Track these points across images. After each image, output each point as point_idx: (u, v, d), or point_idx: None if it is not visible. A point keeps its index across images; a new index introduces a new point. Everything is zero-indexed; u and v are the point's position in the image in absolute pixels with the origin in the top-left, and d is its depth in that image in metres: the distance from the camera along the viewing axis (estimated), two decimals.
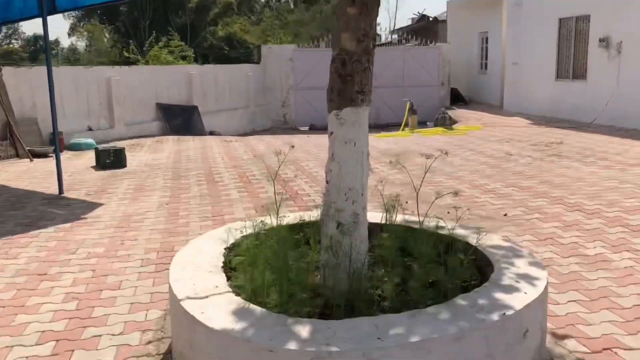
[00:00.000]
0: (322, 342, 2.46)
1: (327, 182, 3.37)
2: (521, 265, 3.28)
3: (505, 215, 6.09)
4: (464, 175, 8.31)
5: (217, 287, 3.02)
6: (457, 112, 17.99)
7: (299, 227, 3.87)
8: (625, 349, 3.31)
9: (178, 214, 6.43)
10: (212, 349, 2.60)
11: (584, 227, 5.66)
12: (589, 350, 3.30)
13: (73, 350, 3.39)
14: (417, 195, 3.71)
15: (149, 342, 3.47)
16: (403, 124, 15.18)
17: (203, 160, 10.14)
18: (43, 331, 3.64)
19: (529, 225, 5.68)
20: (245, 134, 16.55)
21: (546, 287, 3.05)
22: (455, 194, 3.52)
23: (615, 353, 3.27)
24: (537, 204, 6.56)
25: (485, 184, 7.63)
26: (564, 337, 3.44)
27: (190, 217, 6.28)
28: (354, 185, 3.29)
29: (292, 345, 2.44)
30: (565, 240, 5.25)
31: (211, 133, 16.06)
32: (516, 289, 2.96)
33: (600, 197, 6.83)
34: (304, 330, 2.56)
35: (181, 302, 2.84)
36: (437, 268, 3.17)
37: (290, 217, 4.15)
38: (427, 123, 16.94)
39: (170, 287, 3.07)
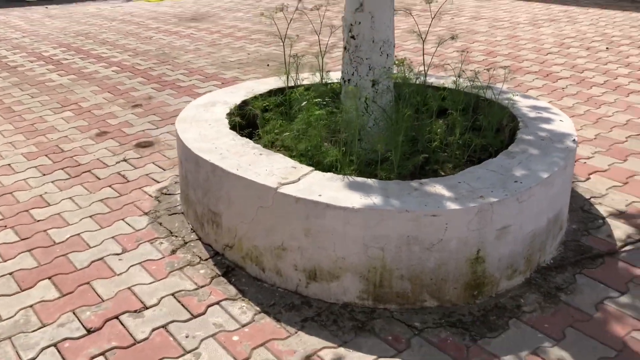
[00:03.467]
0: (474, 195, 2.38)
1: (352, 38, 3.04)
2: (520, 100, 3.51)
3: None
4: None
5: (294, 167, 2.63)
6: None
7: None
8: None
9: (13, 109, 5.16)
10: (355, 230, 2.33)
11: None
12: None
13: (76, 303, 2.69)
14: (423, 43, 3.59)
15: (174, 251, 2.92)
16: None
17: None
18: (9, 294, 2.79)
19: None
20: None
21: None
22: (453, 38, 3.50)
23: None
24: None
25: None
26: None
27: (37, 111, 5.10)
28: (388, 36, 3.05)
29: (453, 205, 2.32)
30: None
31: None
32: (549, 119, 3.18)
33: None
34: (439, 189, 2.44)
35: (280, 190, 2.42)
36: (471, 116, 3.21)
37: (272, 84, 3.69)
38: None
39: (235, 178, 2.57)
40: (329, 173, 2.60)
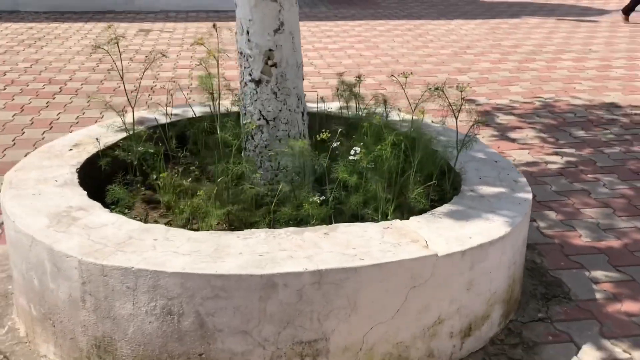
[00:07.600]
0: (509, 180, 2.51)
1: (274, 66, 2.42)
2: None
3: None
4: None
5: (387, 227, 2.04)
6: None
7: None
8: None
9: None
10: (506, 256, 2.12)
11: None
12: None
13: None
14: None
15: None
16: None
17: None
18: None
19: None
20: None
21: None
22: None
23: None
24: None
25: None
26: None
27: None
28: (301, 56, 2.56)
29: (526, 194, 2.40)
30: None
31: None
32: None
33: None
34: (488, 189, 2.44)
35: (443, 253, 1.92)
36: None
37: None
38: None
39: (367, 270, 1.83)
40: (415, 217, 2.18)
